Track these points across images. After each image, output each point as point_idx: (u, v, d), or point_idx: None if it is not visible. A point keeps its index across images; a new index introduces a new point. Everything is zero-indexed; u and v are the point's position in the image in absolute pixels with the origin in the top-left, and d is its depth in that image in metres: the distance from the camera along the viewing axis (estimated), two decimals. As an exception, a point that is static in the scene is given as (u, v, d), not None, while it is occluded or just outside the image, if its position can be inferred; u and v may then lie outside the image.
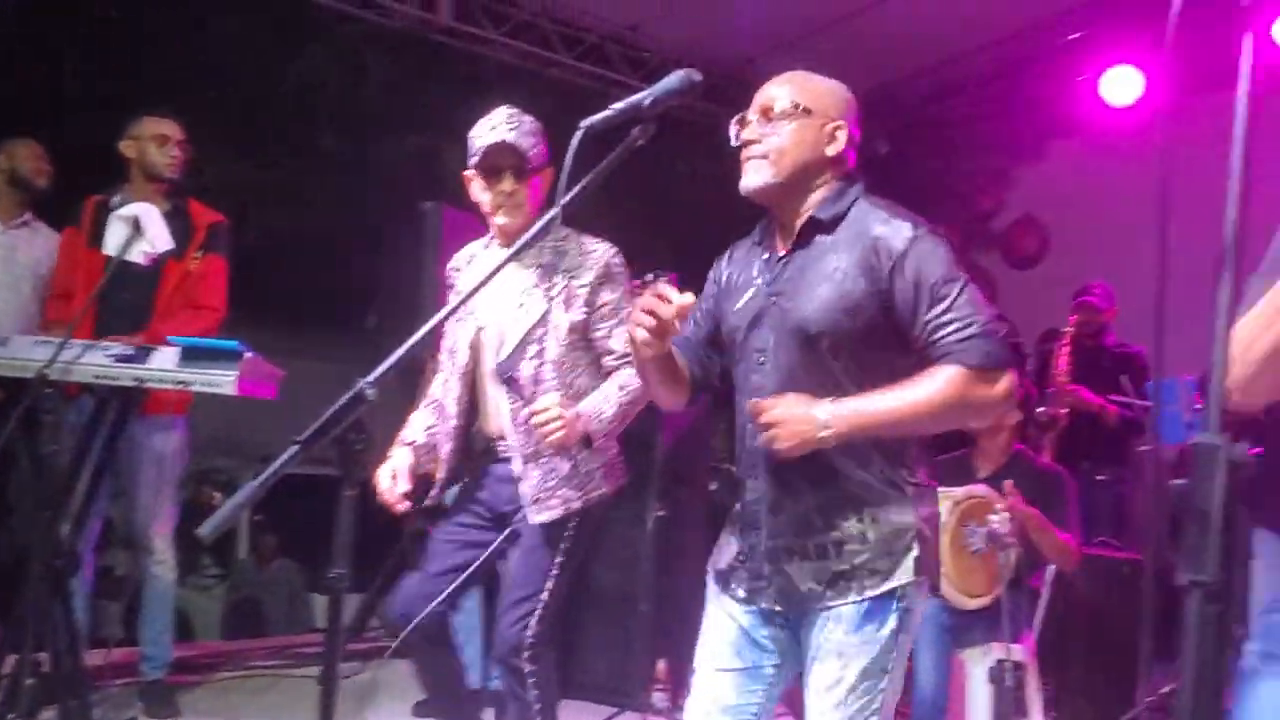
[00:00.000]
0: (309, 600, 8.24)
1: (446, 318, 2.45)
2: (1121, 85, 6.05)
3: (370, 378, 1.68)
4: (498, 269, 2.00)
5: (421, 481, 2.99)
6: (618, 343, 2.88)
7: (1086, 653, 4.42)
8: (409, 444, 3.00)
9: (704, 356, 2.39)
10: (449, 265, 3.19)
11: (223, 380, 3.12)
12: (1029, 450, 4.08)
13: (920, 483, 2.19)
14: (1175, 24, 1.26)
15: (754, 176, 2.19)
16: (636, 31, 6.55)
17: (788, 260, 2.20)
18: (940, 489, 3.61)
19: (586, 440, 2.79)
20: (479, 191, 2.96)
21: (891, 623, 2.10)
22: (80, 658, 3.28)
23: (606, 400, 2.84)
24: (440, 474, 3.00)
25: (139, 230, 3.31)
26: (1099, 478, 5.24)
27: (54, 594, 3.17)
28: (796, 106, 2.18)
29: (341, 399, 1.66)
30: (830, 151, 2.20)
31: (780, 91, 2.21)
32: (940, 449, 3.98)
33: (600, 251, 2.94)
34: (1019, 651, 3.53)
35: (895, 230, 2.11)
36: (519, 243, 2.03)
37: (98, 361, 3.08)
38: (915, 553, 2.12)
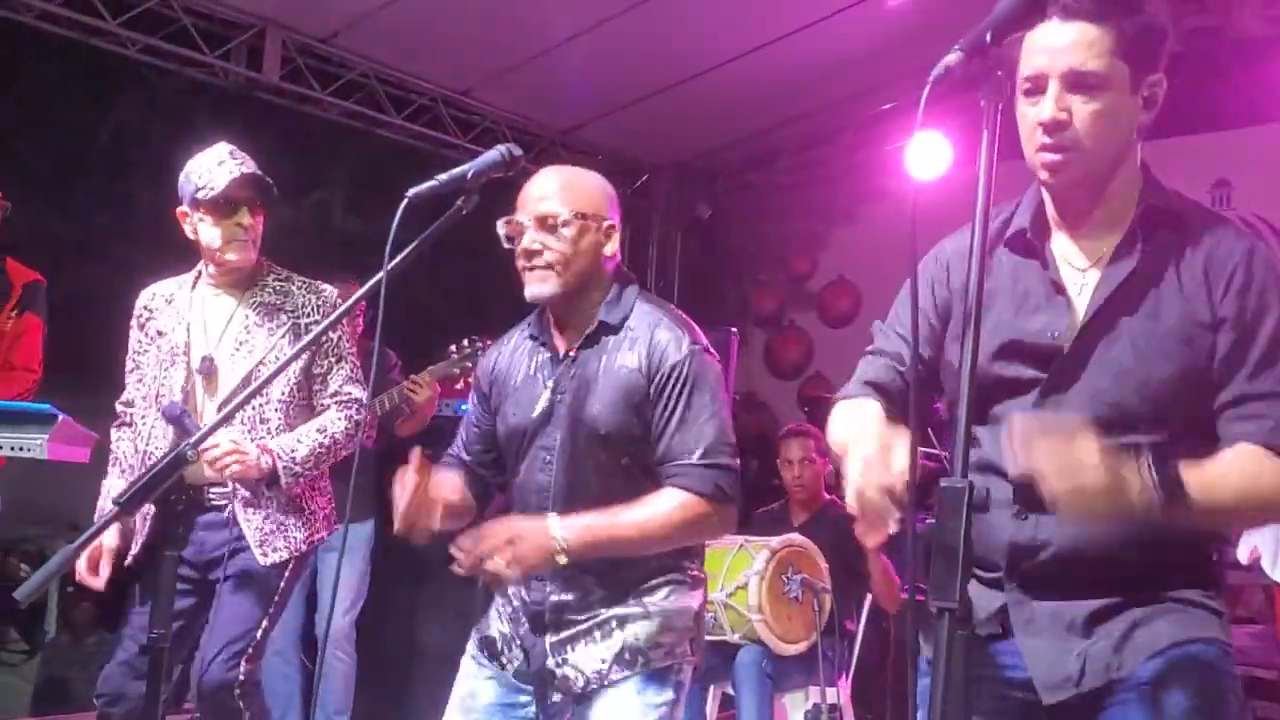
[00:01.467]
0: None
1: (292, 359, 2.46)
2: (925, 156, 6.43)
3: (193, 440, 1.71)
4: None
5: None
6: (335, 382, 2.95)
7: (899, 692, 4.65)
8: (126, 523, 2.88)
9: (483, 467, 2.42)
10: (138, 303, 3.11)
11: (33, 444, 3.06)
12: (839, 500, 4.30)
13: (697, 573, 2.31)
14: (924, 109, 1.41)
15: (541, 287, 2.23)
16: (469, 95, 6.65)
17: (574, 359, 2.25)
18: (758, 539, 3.82)
19: (274, 477, 2.81)
20: (207, 228, 2.95)
21: (669, 693, 2.18)
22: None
23: (300, 441, 2.87)
24: (143, 529, 2.89)
25: (-52, 291, 3.21)
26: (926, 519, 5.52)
27: None
28: (577, 215, 2.23)
29: (161, 460, 1.68)
30: (608, 251, 2.28)
31: (555, 200, 2.24)
32: (757, 502, 4.17)
33: (328, 292, 3.03)
34: (835, 694, 3.71)
35: (676, 340, 2.19)
36: (341, 310, 2.08)
37: (-100, 425, 2.97)
38: (693, 634, 2.25)
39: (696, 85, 6.42)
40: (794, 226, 7.73)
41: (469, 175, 2.07)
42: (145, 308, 3.08)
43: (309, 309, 2.96)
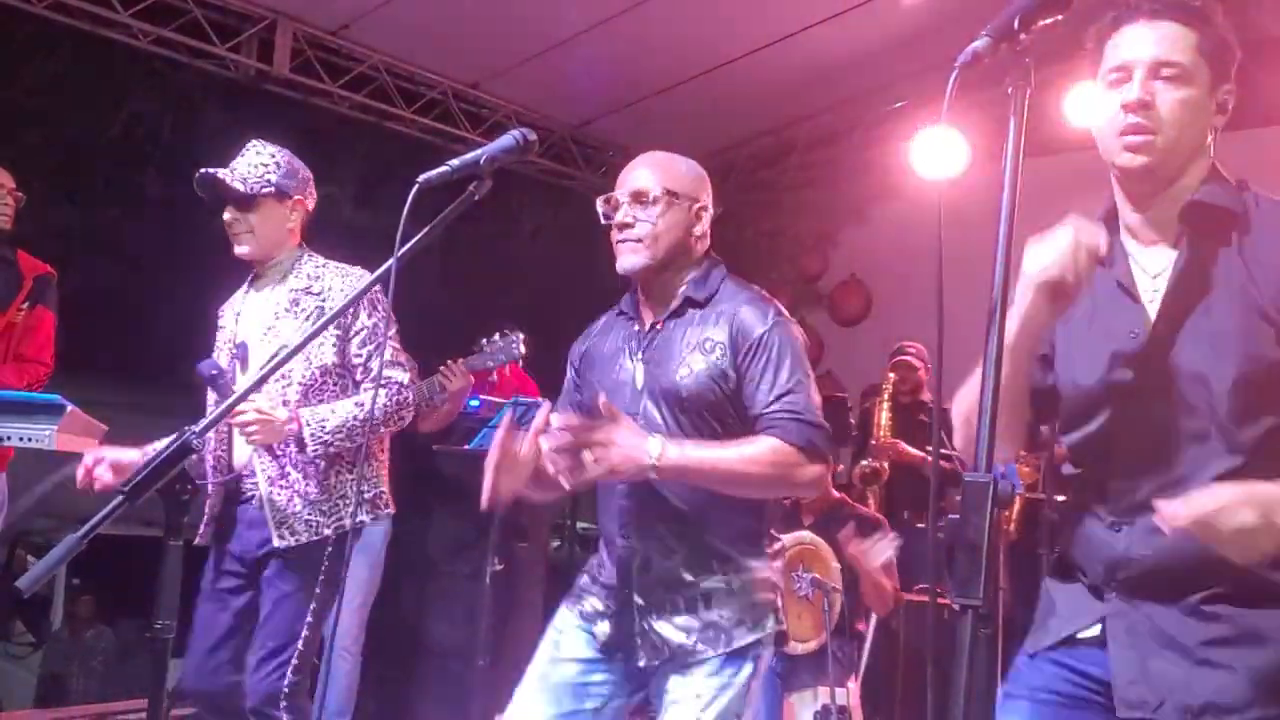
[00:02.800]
0: (126, 666, 7.83)
1: (295, 352, 2.45)
2: (936, 153, 6.40)
3: (198, 428, 1.68)
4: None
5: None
6: (376, 367, 2.95)
7: (909, 695, 4.61)
8: (145, 451, 2.93)
9: None
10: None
11: (42, 435, 3.05)
12: (849, 499, 4.27)
13: (776, 540, 2.37)
14: (951, 95, 1.38)
15: (632, 259, 2.32)
16: (478, 88, 6.63)
17: (659, 330, 2.34)
18: (768, 536, 3.79)
19: (300, 443, 2.83)
20: None
21: (747, 669, 2.24)
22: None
23: (334, 412, 2.88)
24: (205, 511, 2.98)
25: (-40, 282, 3.21)
26: (919, 526, 5.49)
27: None
28: (667, 192, 2.32)
29: (166, 449, 1.66)
30: (697, 231, 2.36)
31: (650, 177, 2.34)
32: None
33: (354, 276, 3.04)
34: (845, 695, 3.67)
35: (761, 314, 2.27)
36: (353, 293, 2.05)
37: (-90, 415, 2.96)
38: (775, 605, 2.30)
39: (707, 82, 6.40)
40: (805, 225, 7.70)
41: (482, 160, 2.04)
42: (220, 310, 3.20)
43: (334, 292, 2.97)
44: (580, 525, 6.41)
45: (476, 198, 2.05)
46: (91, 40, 5.66)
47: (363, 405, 2.88)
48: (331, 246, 3.17)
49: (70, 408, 3.13)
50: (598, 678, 2.31)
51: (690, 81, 6.43)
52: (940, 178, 5.87)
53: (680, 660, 2.24)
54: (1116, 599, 1.68)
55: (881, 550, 3.74)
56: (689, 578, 2.25)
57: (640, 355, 2.34)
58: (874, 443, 5.60)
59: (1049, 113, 5.55)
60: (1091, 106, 1.76)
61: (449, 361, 3.90)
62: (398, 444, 4.32)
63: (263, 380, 1.98)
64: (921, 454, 5.53)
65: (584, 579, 2.41)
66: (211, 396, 2.98)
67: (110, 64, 6.61)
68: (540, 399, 4.67)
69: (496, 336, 3.86)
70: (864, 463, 5.51)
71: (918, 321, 6.13)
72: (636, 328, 2.39)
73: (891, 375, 5.77)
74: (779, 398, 2.20)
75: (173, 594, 1.68)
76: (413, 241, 1.95)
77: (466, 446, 4.47)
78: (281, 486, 2.87)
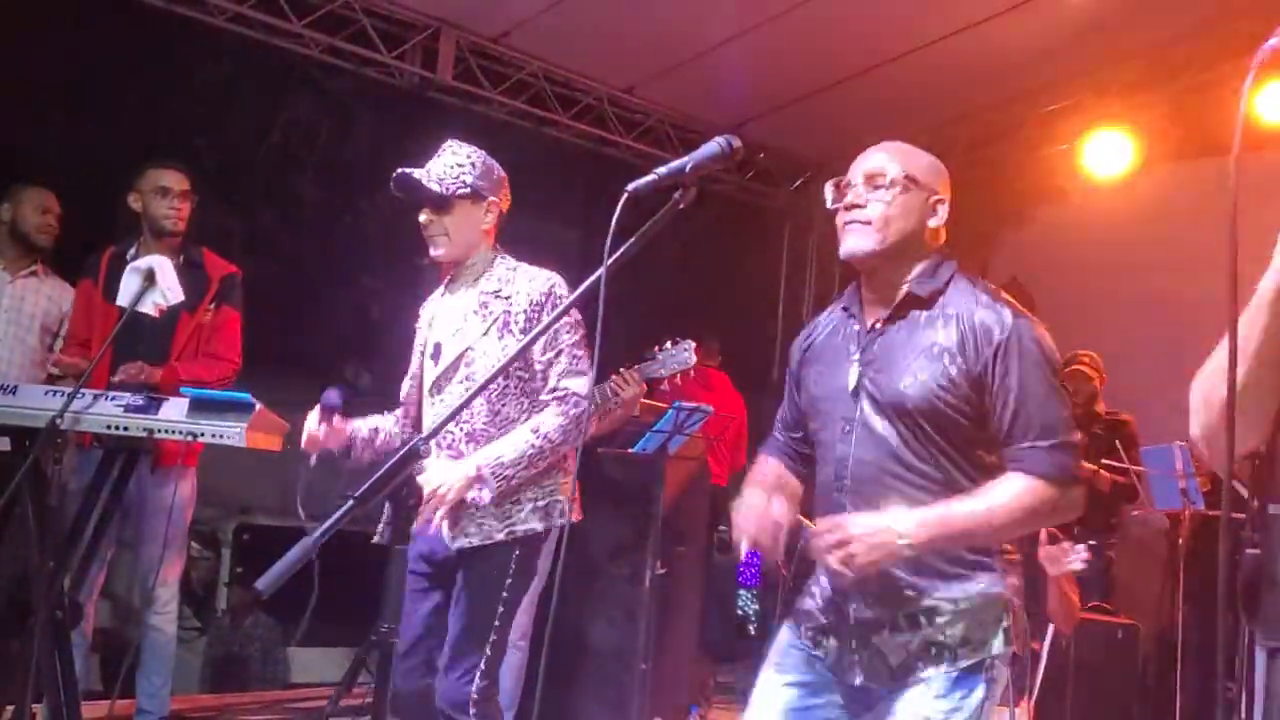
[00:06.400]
0: (284, 654, 8.09)
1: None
2: (1106, 154, 6.19)
3: (425, 435, 1.70)
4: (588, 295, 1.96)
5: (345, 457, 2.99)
6: (555, 377, 2.87)
7: (1082, 717, 4.44)
8: (352, 427, 3.01)
9: (804, 446, 2.37)
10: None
11: (232, 432, 3.10)
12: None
13: (1010, 555, 2.18)
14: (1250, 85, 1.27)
15: (857, 241, 2.16)
16: (632, 93, 6.64)
17: (881, 332, 2.18)
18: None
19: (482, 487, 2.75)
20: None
21: (980, 692, 2.07)
22: (78, 710, 3.23)
23: (512, 445, 2.79)
24: (384, 511, 2.91)
25: (152, 282, 3.32)
26: (1089, 543, 5.29)
27: (54, 645, 3.14)
28: (906, 177, 2.17)
29: (395, 455, 1.68)
30: (933, 224, 2.20)
31: (889, 161, 2.19)
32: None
33: (542, 279, 2.96)
34: (1020, 715, 3.55)
35: (997, 316, 2.08)
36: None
37: (108, 411, 3.07)
38: (1006, 623, 2.11)
39: (860, 83, 6.29)
40: (963, 226, 7.47)
41: (688, 168, 1.99)
42: (422, 309, 3.22)
43: (521, 296, 2.92)
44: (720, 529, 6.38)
45: (682, 205, 2.01)
46: (252, 49, 5.83)
47: (538, 430, 2.81)
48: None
49: (259, 406, 3.19)
50: (819, 700, 2.19)
51: (842, 84, 6.34)
52: (1101, 177, 5.60)
53: (902, 680, 2.10)
54: None
55: (1075, 558, 3.58)
56: (911, 593, 2.09)
57: (859, 358, 2.18)
58: (1044, 455, 5.39)
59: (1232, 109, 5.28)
60: None
61: (622, 369, 3.91)
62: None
63: (478, 392, 1.97)
64: (1094, 467, 5.33)
65: (804, 599, 2.28)
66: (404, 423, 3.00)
67: (269, 72, 6.82)
68: (705, 405, 4.65)
69: (669, 344, 3.86)
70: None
71: (1084, 327, 5.91)
72: (857, 327, 2.23)
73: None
74: (1026, 421, 2.03)
75: (397, 597, 1.70)
76: (622, 249, 1.93)
77: (630, 450, 4.48)
78: None
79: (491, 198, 3.03)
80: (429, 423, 2.93)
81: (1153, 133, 5.64)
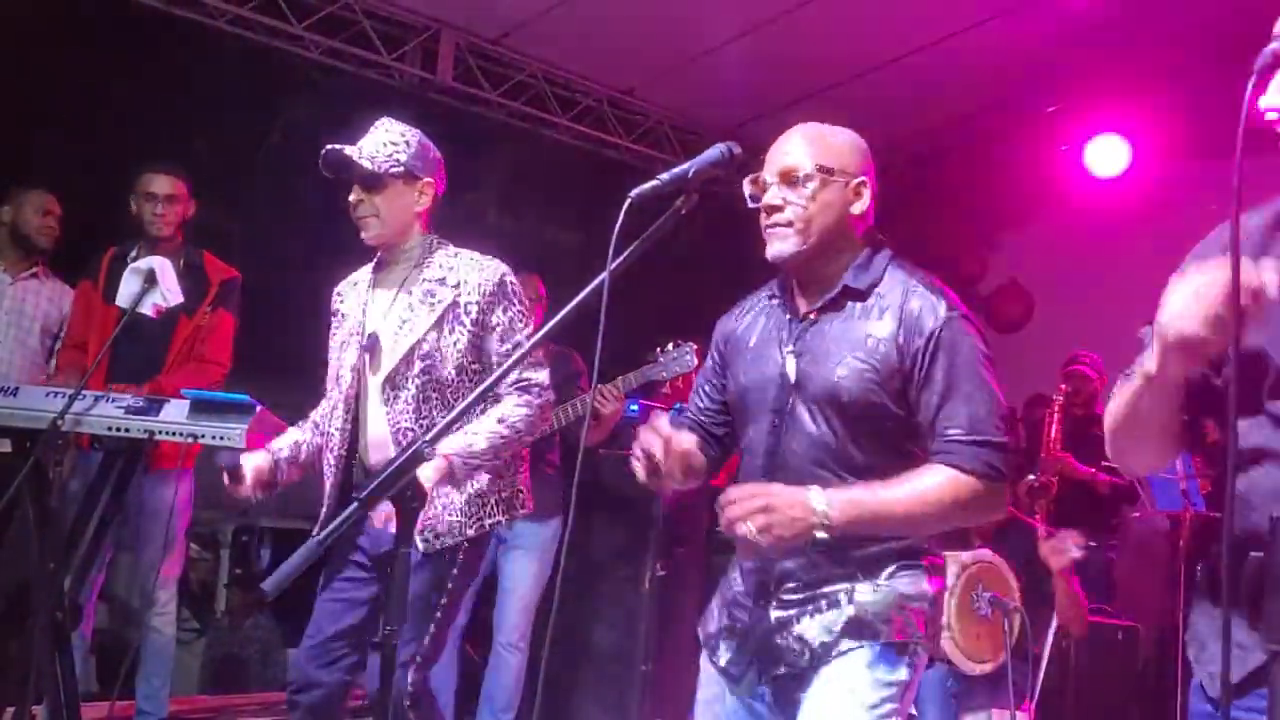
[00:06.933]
0: (283, 656, 8.08)
1: (532, 348, 2.34)
2: (1107, 155, 6.20)
3: (428, 436, 1.70)
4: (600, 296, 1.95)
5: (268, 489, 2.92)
6: (515, 369, 2.78)
7: (1083, 719, 4.44)
8: (271, 451, 2.94)
9: (717, 428, 2.31)
10: (335, 291, 3.13)
11: (232, 433, 3.10)
12: (1022, 515, 4.14)
13: (935, 556, 2.14)
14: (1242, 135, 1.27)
15: (782, 245, 2.11)
16: (631, 95, 6.64)
17: (814, 322, 2.13)
18: (947, 553, 3.68)
19: (453, 479, 2.72)
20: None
21: (902, 673, 2.03)
22: (78, 711, 3.23)
23: (478, 435, 2.75)
24: (323, 510, 2.90)
25: (153, 283, 3.32)
26: (1089, 544, 5.30)
27: (55, 647, 3.14)
28: (820, 169, 2.10)
29: (399, 457, 1.68)
30: (856, 210, 2.13)
31: (800, 154, 2.12)
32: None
33: (491, 269, 2.88)
34: (1021, 718, 3.55)
35: (931, 307, 2.05)
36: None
37: (109, 413, 3.06)
38: (929, 617, 2.09)
39: (860, 84, 6.29)
40: (963, 228, 7.50)
41: (690, 174, 1.99)
42: (337, 293, 3.11)
43: (470, 286, 2.84)
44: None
45: (684, 211, 2.01)
46: (253, 51, 5.83)
47: (504, 420, 2.78)
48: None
49: (259, 408, 3.19)
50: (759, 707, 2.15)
51: (842, 85, 6.33)
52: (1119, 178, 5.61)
53: (824, 660, 2.03)
54: None
55: (1069, 547, 3.59)
56: (831, 586, 2.05)
57: (792, 348, 2.12)
58: (1044, 456, 5.41)
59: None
60: None
61: (603, 388, 3.90)
62: (561, 449, 4.37)
63: (481, 392, 1.97)
64: (1093, 469, 5.33)
65: (708, 620, 2.24)
66: (383, 422, 2.86)
67: (269, 74, 6.83)
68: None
69: (670, 348, 3.86)
70: (1030, 477, 5.33)
71: (1083, 329, 5.92)
72: (788, 316, 2.17)
73: (1063, 386, 5.58)
74: (953, 413, 1.99)
75: (401, 600, 1.70)
76: (624, 255, 1.93)
77: (628, 452, 4.47)
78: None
79: (426, 178, 2.91)
80: (373, 439, 2.85)
81: (1153, 134, 5.64)
